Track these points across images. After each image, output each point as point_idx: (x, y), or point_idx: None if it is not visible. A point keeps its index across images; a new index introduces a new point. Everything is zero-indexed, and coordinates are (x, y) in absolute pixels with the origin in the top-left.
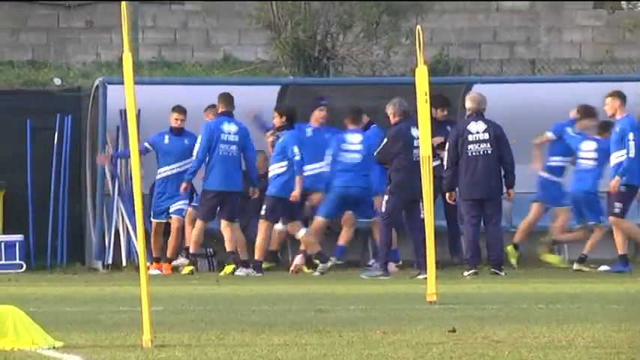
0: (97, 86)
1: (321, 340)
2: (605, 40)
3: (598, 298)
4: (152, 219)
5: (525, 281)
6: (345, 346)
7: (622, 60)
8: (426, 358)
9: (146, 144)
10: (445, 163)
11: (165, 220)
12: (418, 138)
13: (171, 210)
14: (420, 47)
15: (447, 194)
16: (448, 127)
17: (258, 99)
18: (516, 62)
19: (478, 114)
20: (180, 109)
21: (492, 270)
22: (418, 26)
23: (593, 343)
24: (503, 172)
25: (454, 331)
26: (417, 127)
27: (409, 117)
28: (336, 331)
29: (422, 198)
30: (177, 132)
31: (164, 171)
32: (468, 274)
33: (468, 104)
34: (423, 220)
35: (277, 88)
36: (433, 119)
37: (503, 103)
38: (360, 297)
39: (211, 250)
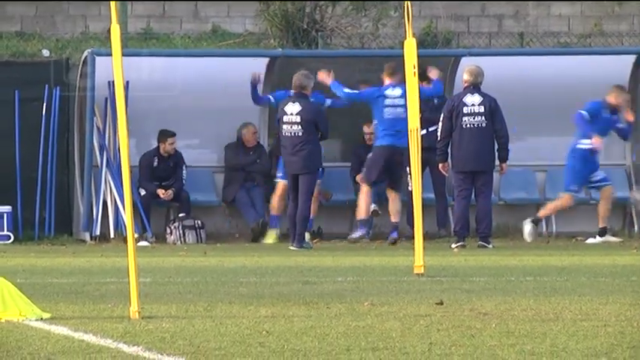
0: (86, 58)
1: (309, 311)
2: (594, 14)
3: (585, 270)
4: (282, 179)
5: (513, 254)
6: (333, 317)
7: (610, 33)
8: (413, 330)
9: (270, 97)
10: (439, 134)
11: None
12: (291, 114)
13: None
14: (408, 20)
15: (440, 165)
16: (435, 100)
17: (247, 71)
18: (505, 35)
19: (475, 86)
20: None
21: (480, 243)
22: None
23: (581, 316)
24: (496, 146)
25: (441, 303)
26: (294, 103)
27: (298, 92)
28: (323, 302)
29: (299, 173)
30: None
31: None
32: (456, 247)
33: (465, 76)
34: (411, 192)
35: (266, 60)
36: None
37: (492, 75)
38: (348, 269)
39: (199, 222)
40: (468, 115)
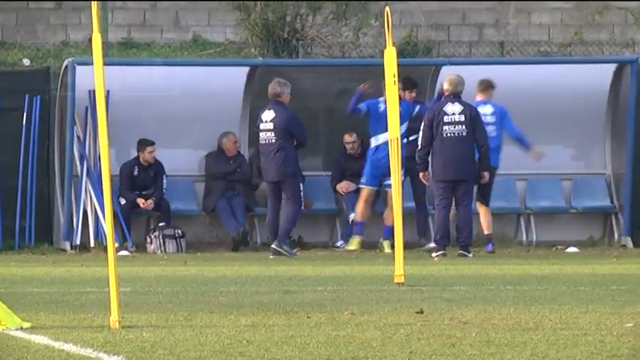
0: (66, 67)
1: (289, 321)
2: (574, 22)
3: (565, 279)
4: (365, 185)
5: (493, 263)
6: (313, 327)
7: (591, 42)
8: (393, 339)
9: (363, 105)
10: (420, 143)
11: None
12: (266, 121)
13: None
14: (388, 29)
15: (421, 174)
16: (415, 109)
17: (227, 80)
18: (485, 44)
19: (455, 96)
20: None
21: (460, 252)
22: (387, 8)
23: (561, 325)
24: (477, 155)
25: (422, 312)
26: (270, 110)
27: (273, 99)
28: (303, 312)
29: (275, 180)
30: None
31: (382, 137)
32: (436, 256)
33: (445, 86)
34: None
35: (246, 69)
36: (402, 101)
37: (472, 85)
38: (328, 278)
39: (180, 231)
40: (448, 124)
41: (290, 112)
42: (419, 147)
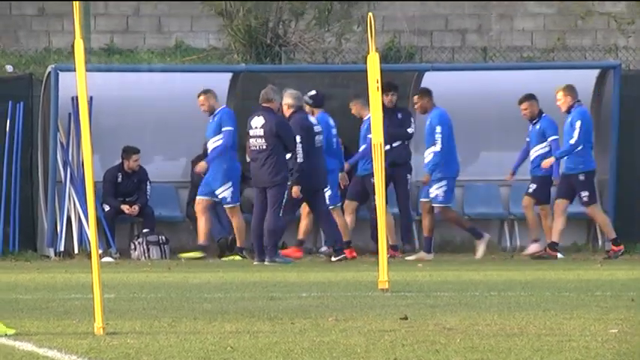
0: (49, 73)
1: (273, 327)
2: (557, 28)
3: (549, 285)
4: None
5: (477, 269)
6: (297, 333)
7: (573, 47)
8: (377, 345)
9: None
10: (300, 157)
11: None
12: (256, 127)
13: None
14: (371, 34)
15: (295, 188)
16: (399, 115)
17: (210, 86)
18: (468, 50)
19: (302, 108)
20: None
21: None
22: (370, 13)
23: (545, 331)
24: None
25: (406, 318)
26: (259, 116)
27: (264, 105)
28: (288, 318)
29: (265, 186)
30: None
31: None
32: (337, 260)
33: (290, 100)
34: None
35: (229, 75)
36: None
37: (455, 90)
38: (313, 284)
39: (164, 237)
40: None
41: (279, 118)
42: (301, 160)
